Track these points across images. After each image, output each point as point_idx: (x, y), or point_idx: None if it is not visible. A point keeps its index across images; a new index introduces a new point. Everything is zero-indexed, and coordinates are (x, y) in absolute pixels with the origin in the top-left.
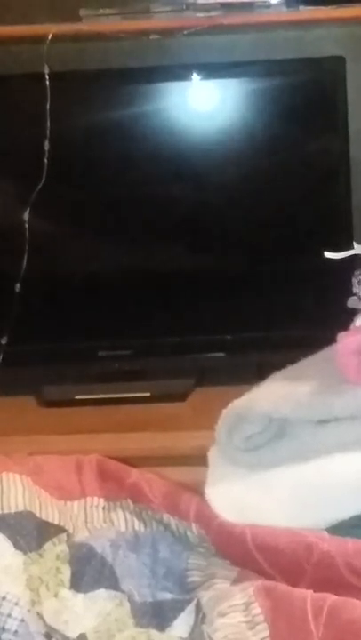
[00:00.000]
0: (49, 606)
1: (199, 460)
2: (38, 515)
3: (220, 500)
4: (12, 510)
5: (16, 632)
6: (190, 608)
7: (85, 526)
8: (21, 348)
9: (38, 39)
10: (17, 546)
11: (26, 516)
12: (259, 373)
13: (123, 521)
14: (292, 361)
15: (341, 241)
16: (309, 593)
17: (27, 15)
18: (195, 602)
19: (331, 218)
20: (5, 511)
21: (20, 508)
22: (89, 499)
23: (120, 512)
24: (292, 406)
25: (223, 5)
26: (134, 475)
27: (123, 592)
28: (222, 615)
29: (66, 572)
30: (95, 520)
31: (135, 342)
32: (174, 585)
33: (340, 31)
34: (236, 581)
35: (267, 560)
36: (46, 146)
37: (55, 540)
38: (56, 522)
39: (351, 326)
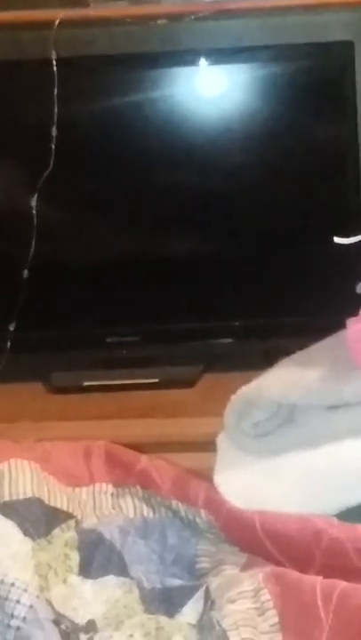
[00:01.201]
0: (57, 592)
1: (208, 446)
2: (47, 501)
3: (229, 486)
4: (21, 497)
5: (25, 618)
6: (199, 594)
7: (94, 512)
8: (30, 334)
9: (46, 25)
10: (25, 532)
11: (34, 503)
12: (267, 359)
13: (131, 507)
14: (301, 347)
15: (350, 226)
16: (319, 579)
17: (34, 0)
18: (204, 588)
19: (340, 203)
20: (14, 497)
21: (29, 495)
22: (97, 485)
23: (129, 498)
24: (301, 392)
25: None
26: (143, 461)
27: (132, 578)
28: (231, 601)
29: (74, 559)
30: (104, 506)
31: (143, 329)
32: (183, 571)
33: (348, 15)
34: (245, 568)
35: (276, 546)
36: (54, 132)
37: (64, 526)
38: (64, 508)
39: (360, 312)
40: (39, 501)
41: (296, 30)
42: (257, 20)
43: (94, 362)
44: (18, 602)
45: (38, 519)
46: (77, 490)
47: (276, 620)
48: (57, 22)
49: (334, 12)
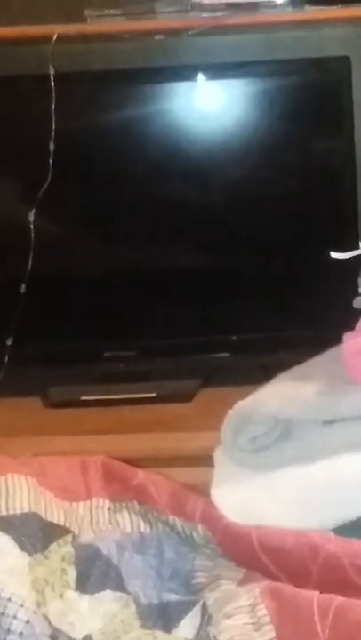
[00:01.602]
0: (54, 608)
1: (205, 460)
2: (44, 516)
3: (226, 500)
4: (18, 512)
5: (21, 634)
6: (196, 609)
7: (91, 527)
8: (27, 348)
9: (43, 39)
10: (22, 547)
11: (31, 518)
12: (264, 374)
13: (128, 522)
14: (298, 361)
15: (347, 241)
16: (316, 594)
17: (32, 15)
18: (201, 603)
19: (336, 218)
20: (11, 512)
21: (26, 510)
22: (94, 500)
23: (126, 513)
24: (298, 407)
25: (228, 5)
26: (140, 475)
27: (128, 593)
28: (228, 616)
29: (71, 574)
30: (101, 521)
31: (140, 343)
32: (180, 586)
33: (345, 31)
34: (241, 582)
35: (273, 561)
36: (51, 147)
37: (61, 541)
38: (61, 523)
39: (357, 327)
40: (36, 516)
41: (293, 45)
42: (254, 35)
43: (92, 376)
44: (14, 617)
45: (35, 534)
46: (74, 505)
47: (272, 635)
48: (55, 37)
49: (331, 27)
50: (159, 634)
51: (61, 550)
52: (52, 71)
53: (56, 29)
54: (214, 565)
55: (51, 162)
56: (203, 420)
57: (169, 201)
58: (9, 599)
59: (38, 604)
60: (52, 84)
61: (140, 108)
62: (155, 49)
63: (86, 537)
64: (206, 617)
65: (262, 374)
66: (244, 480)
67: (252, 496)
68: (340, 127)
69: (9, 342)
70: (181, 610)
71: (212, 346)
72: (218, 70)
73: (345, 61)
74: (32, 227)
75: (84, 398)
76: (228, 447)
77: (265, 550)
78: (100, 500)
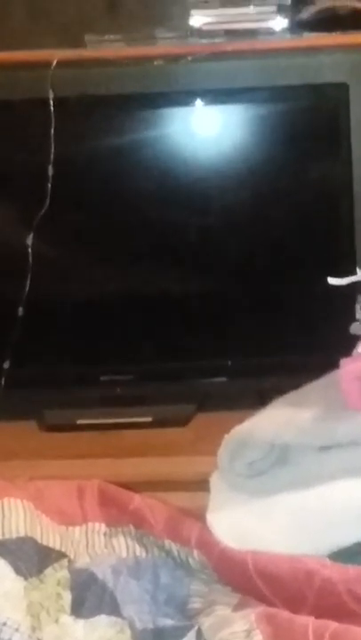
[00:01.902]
0: (49, 632)
1: (201, 485)
2: (39, 540)
3: (222, 526)
4: (14, 535)
5: None
6: (191, 634)
7: (87, 552)
8: (23, 372)
9: (43, 64)
10: (18, 571)
11: (27, 542)
12: (261, 399)
13: (124, 547)
14: (295, 387)
15: (345, 267)
16: (311, 620)
17: (31, 40)
18: (196, 628)
19: (334, 244)
20: (6, 536)
21: (22, 534)
22: (90, 524)
23: (121, 538)
24: (295, 432)
25: (227, 32)
26: (136, 500)
27: (124, 618)
28: None
29: (67, 598)
30: (96, 546)
31: (137, 367)
32: (175, 611)
33: (343, 58)
34: (237, 608)
35: (268, 587)
36: (50, 171)
37: (56, 565)
38: (57, 547)
39: (354, 352)
40: (32, 540)
41: (291, 72)
42: (252, 61)
43: (88, 400)
44: None
45: (31, 558)
46: (70, 529)
47: None
48: (54, 62)
49: (328, 54)
50: None
51: (57, 574)
52: (51, 95)
53: (56, 54)
54: (210, 590)
55: (49, 186)
56: (199, 444)
57: (166, 226)
58: (4, 623)
59: (33, 629)
60: (52, 108)
61: (140, 133)
62: (154, 74)
63: (82, 561)
64: None
65: (258, 399)
66: (241, 505)
67: (248, 521)
68: (338, 154)
69: (5, 365)
70: (176, 635)
71: (209, 370)
72: (217, 96)
73: (343, 88)
74: (30, 250)
75: (80, 422)
76: (225, 472)
77: (261, 576)
78: (96, 525)
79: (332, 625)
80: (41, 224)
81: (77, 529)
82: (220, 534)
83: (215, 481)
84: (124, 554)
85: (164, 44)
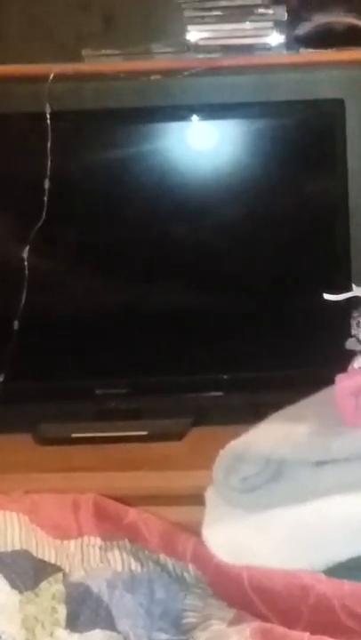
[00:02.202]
0: None
1: (196, 499)
2: (35, 554)
3: (217, 540)
4: (9, 549)
5: None
6: None
7: (82, 566)
8: (19, 385)
9: (40, 78)
10: (13, 585)
11: (22, 555)
12: (256, 413)
13: (119, 561)
14: (290, 402)
15: (340, 282)
16: (306, 635)
17: (29, 55)
18: None
19: (329, 259)
20: (2, 550)
21: (17, 547)
22: (85, 538)
23: (117, 552)
24: (290, 447)
25: (224, 47)
26: (131, 514)
27: (118, 632)
28: None
29: (62, 612)
30: (92, 559)
31: (132, 381)
32: (170, 626)
33: (339, 74)
34: (232, 623)
35: (263, 601)
36: (46, 184)
37: (51, 579)
38: (52, 561)
39: (349, 368)
40: (27, 554)
41: (288, 88)
42: (249, 76)
43: (83, 414)
44: None
45: (26, 572)
46: (65, 542)
47: None
48: (51, 76)
49: (325, 70)
50: None
51: (52, 588)
52: (48, 109)
53: (53, 68)
54: (205, 605)
55: (45, 199)
56: (194, 458)
57: (162, 240)
58: None
59: None
60: (49, 122)
61: (136, 147)
62: (151, 89)
63: (77, 575)
64: None
65: (254, 414)
66: (236, 520)
67: (243, 536)
68: (334, 169)
69: (1, 379)
70: None
71: (204, 385)
72: (213, 111)
73: (339, 104)
74: (26, 264)
75: (75, 435)
76: (220, 487)
77: (255, 590)
78: (92, 539)
79: None
80: (37, 237)
81: (72, 542)
82: (216, 549)
83: (211, 495)
84: (119, 568)
85: (161, 59)
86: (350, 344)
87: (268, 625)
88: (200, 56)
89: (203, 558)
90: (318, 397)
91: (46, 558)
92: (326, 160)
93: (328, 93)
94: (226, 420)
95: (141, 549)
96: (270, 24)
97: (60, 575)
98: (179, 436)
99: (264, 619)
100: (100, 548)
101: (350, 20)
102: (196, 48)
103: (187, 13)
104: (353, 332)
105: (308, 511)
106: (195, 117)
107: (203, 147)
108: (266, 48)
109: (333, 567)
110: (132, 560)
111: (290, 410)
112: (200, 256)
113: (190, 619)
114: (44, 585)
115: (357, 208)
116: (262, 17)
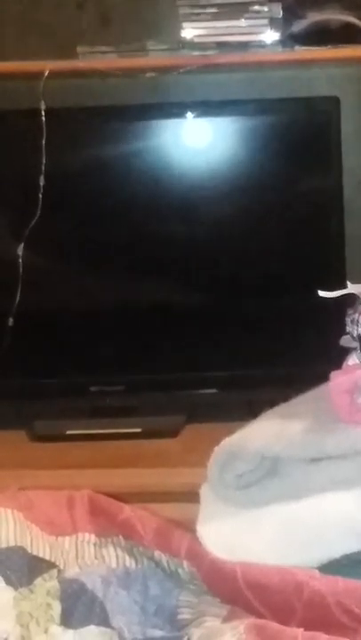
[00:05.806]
0: None
1: (190, 496)
2: (29, 550)
3: (212, 537)
4: (3, 545)
5: None
6: None
7: (76, 562)
8: (13, 382)
9: (35, 75)
10: (7, 581)
11: (17, 552)
12: (251, 411)
13: (114, 557)
14: (285, 398)
15: (335, 280)
16: (300, 632)
17: (24, 51)
18: (185, 639)
19: (324, 256)
20: None
21: (11, 544)
22: (80, 534)
23: (111, 548)
24: (285, 444)
25: (219, 44)
26: (126, 511)
27: (113, 629)
28: None
29: (56, 608)
30: (86, 556)
31: (127, 378)
32: (165, 622)
33: (334, 71)
34: (226, 619)
35: (257, 598)
36: (41, 181)
37: (46, 575)
38: (47, 557)
39: (344, 365)
40: (22, 550)
41: (283, 85)
42: (244, 74)
43: (77, 410)
44: None
45: (20, 568)
46: (60, 539)
47: None
48: (46, 73)
49: (320, 67)
50: None
51: (47, 585)
52: (43, 106)
53: (48, 65)
54: (199, 601)
55: (40, 196)
56: (188, 455)
57: (157, 237)
58: None
59: (23, 639)
60: (43, 119)
61: (131, 144)
62: (146, 86)
63: (72, 572)
64: None
65: (248, 411)
66: (230, 517)
67: (237, 533)
68: (329, 167)
69: None
70: None
71: (199, 382)
72: (208, 108)
73: (334, 101)
74: (20, 261)
75: (69, 432)
76: (215, 484)
77: (250, 587)
78: (86, 535)
79: (322, 637)
80: (32, 234)
81: (67, 539)
82: (210, 545)
83: (205, 492)
84: (113, 564)
85: (156, 56)
86: (345, 341)
87: (262, 621)
88: (195, 53)
89: (197, 555)
90: (313, 394)
91: (41, 555)
92: (321, 157)
93: (323, 91)
94: (220, 418)
95: (136, 546)
96: (265, 21)
97: (54, 571)
98: (173, 433)
99: (258, 615)
100: (95, 545)
101: (345, 17)
102: (192, 45)
103: (182, 10)
104: (348, 329)
105: (303, 508)
106: (190, 115)
107: (197, 144)
108: (261, 45)
109: (328, 564)
110: (127, 556)
111: (284, 407)
112: (194, 253)
113: (185, 615)
114: (38, 581)
115: (352, 205)
116: (257, 14)
